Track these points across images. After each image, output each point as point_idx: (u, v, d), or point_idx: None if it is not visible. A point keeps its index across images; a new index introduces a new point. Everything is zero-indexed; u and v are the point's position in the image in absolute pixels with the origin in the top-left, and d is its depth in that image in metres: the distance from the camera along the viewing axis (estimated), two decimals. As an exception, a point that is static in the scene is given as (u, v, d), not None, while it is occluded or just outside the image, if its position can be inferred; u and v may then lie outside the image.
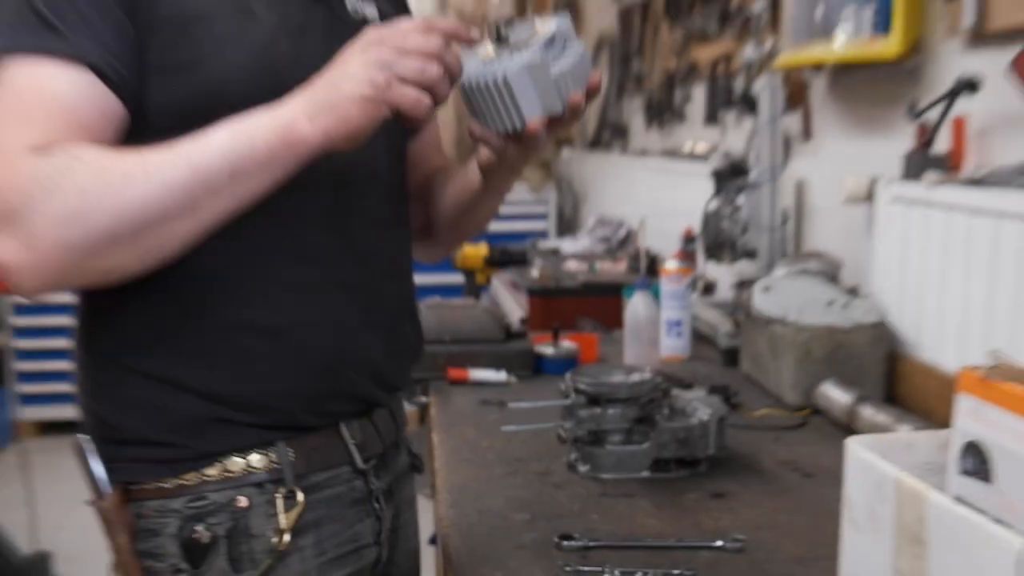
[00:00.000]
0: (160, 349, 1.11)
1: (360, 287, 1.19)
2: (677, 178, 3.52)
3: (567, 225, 5.24)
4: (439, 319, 2.18)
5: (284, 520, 1.12)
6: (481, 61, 1.08)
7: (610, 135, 4.70)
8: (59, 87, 1.01)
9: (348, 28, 1.14)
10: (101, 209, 0.97)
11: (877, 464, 1.07)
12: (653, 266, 2.93)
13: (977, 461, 1.00)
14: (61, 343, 4.91)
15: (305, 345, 1.15)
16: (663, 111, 3.84)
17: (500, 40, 1.08)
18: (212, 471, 1.12)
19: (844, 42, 2.10)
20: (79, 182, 0.97)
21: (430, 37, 1.02)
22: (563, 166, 5.33)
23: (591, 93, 1.13)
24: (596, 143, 4.94)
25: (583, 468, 1.55)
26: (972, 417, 1.00)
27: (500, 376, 2.11)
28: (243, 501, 1.13)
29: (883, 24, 2.04)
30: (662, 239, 3.29)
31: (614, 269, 2.86)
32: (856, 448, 1.12)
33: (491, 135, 1.10)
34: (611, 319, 2.56)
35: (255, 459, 1.13)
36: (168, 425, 1.12)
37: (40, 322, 5.11)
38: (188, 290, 1.10)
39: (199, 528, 1.11)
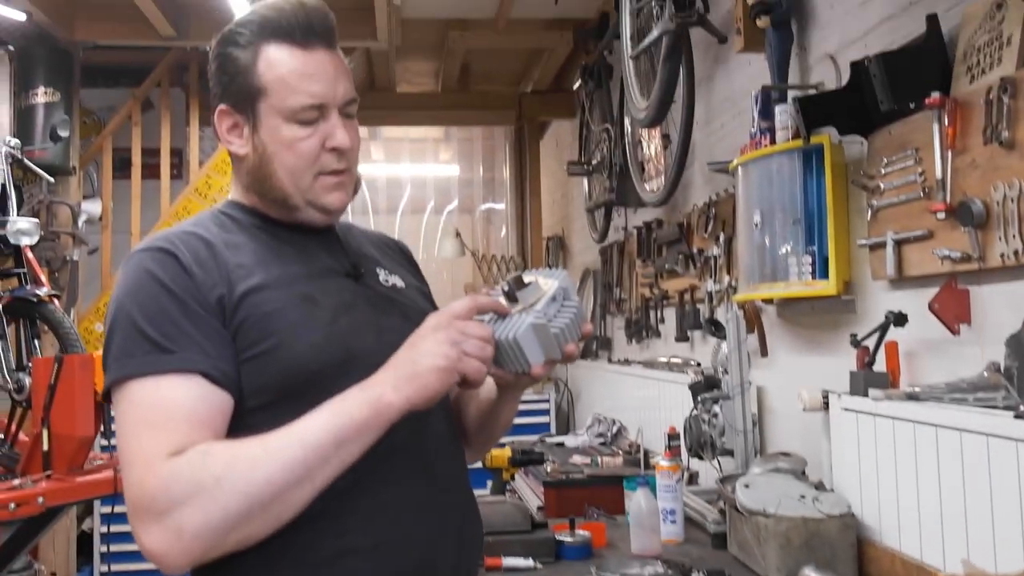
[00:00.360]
0: (273, 568, 1.06)
1: (436, 501, 1.17)
2: (655, 383, 3.53)
3: (563, 418, 5.20)
4: (477, 513, 2.13)
5: None
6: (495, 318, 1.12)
7: (597, 346, 4.74)
8: (178, 395, 1.04)
9: (384, 298, 1.23)
10: (234, 492, 0.98)
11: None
12: (646, 458, 2.89)
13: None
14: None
15: (399, 558, 1.11)
16: (641, 329, 3.87)
17: (511, 298, 1.11)
18: None
19: (792, 283, 2.16)
20: (213, 472, 0.98)
21: (480, 327, 1.07)
22: (559, 370, 5.35)
23: (583, 339, 1.15)
24: (585, 354, 4.97)
25: (611, 650, 1.49)
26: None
27: (528, 563, 2.05)
28: None
29: (822, 270, 2.11)
30: (648, 431, 3.27)
31: (613, 462, 2.82)
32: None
33: (504, 373, 1.11)
34: (613, 506, 2.51)
35: None
36: None
37: (120, 509, 4.94)
38: (294, 527, 1.04)
39: None
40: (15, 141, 3.05)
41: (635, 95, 2.57)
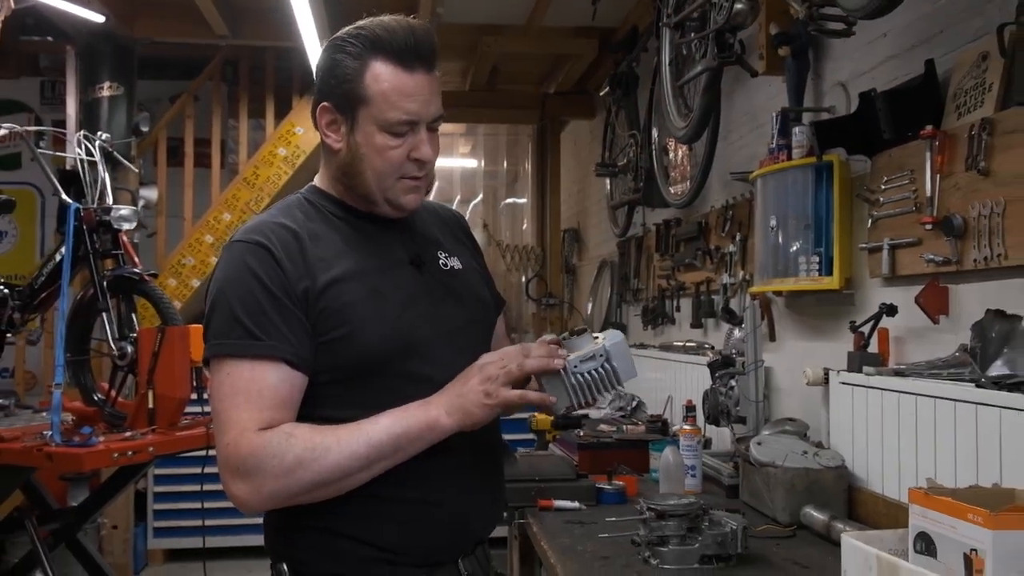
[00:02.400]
0: (346, 515, 1.32)
1: (476, 463, 1.41)
2: (669, 364, 3.89)
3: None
4: (530, 464, 2.53)
5: None
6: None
7: (613, 332, 5.08)
8: (266, 377, 1.26)
9: (442, 285, 1.43)
10: (308, 471, 1.23)
11: (864, 548, 1.41)
12: (665, 427, 3.27)
13: (925, 544, 1.34)
14: (185, 488, 5.11)
15: (444, 512, 1.36)
16: (657, 316, 4.22)
17: (565, 342, 1.34)
18: None
19: (801, 279, 2.54)
20: (295, 452, 1.23)
21: (523, 360, 1.30)
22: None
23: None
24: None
25: (654, 562, 1.87)
26: (921, 517, 1.35)
27: (574, 504, 2.43)
28: None
29: (827, 268, 2.48)
30: (662, 406, 3.66)
31: (637, 430, 3.19)
32: (849, 539, 1.46)
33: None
34: (639, 465, 2.87)
35: None
36: (344, 564, 1.33)
37: (171, 471, 5.29)
38: None
39: None
40: (106, 135, 3.39)
41: (673, 114, 2.93)
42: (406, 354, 1.33)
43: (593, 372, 1.33)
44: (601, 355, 1.33)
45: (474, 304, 1.41)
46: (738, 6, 2.06)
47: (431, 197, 1.53)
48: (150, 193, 4.97)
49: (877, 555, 1.35)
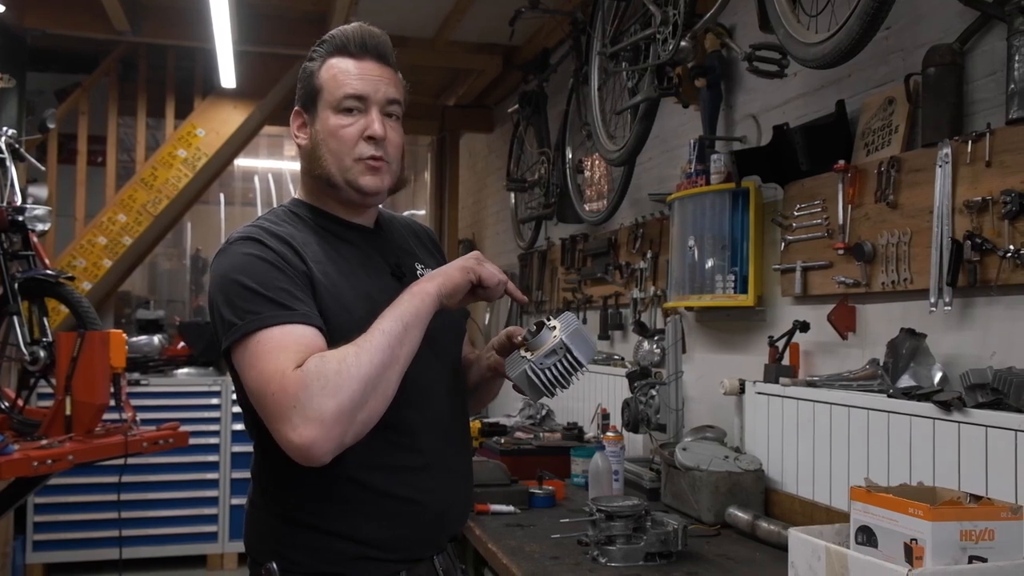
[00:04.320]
0: (327, 511, 1.39)
1: (454, 462, 1.52)
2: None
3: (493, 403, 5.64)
4: (465, 470, 2.59)
5: None
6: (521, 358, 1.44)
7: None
8: (298, 332, 1.30)
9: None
10: (351, 377, 1.25)
11: (813, 540, 1.56)
12: (581, 434, 3.40)
13: (866, 536, 1.50)
14: (68, 499, 4.90)
15: (427, 508, 1.44)
16: (563, 327, 4.35)
17: (530, 337, 1.44)
18: None
19: (717, 295, 2.72)
20: (332, 367, 1.25)
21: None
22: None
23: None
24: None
25: (603, 560, 1.97)
26: (862, 512, 1.51)
27: (509, 508, 2.52)
28: None
29: (742, 286, 2.67)
30: (575, 413, 3.79)
31: (553, 437, 3.30)
32: (797, 534, 1.61)
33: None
34: (559, 471, 2.99)
35: None
36: (331, 562, 1.39)
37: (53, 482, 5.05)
38: (344, 477, 1.37)
39: None
40: (12, 132, 3.23)
41: (603, 137, 3.07)
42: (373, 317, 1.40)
43: (557, 365, 1.41)
44: (561, 348, 1.41)
45: (448, 313, 1.47)
46: (683, 44, 2.20)
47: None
48: (39, 191, 4.70)
49: (827, 547, 1.50)
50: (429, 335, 1.40)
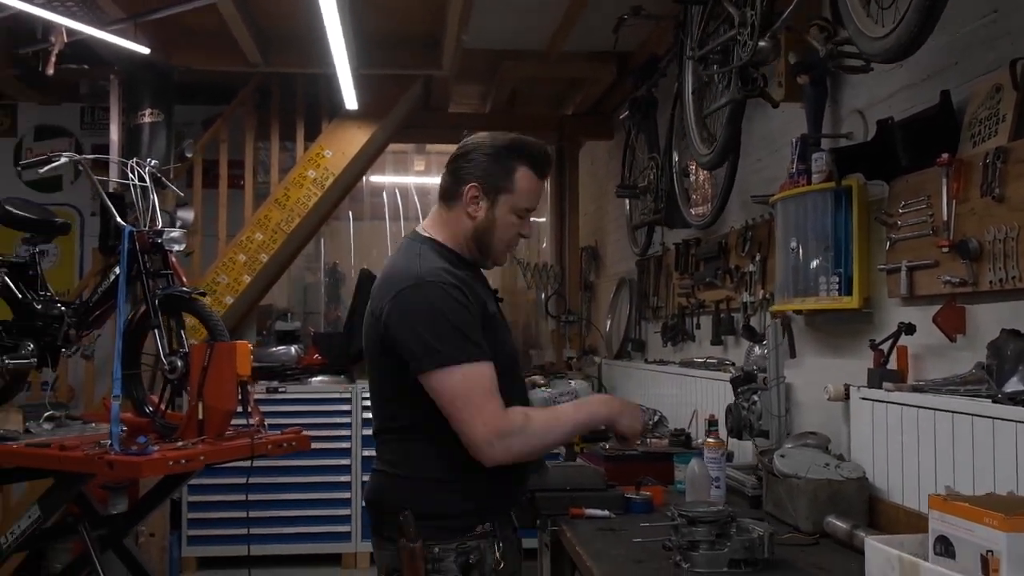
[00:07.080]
0: (455, 477, 1.84)
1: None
2: (689, 380, 3.98)
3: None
4: (561, 475, 2.62)
5: (499, 553, 1.85)
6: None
7: (631, 348, 5.19)
8: (488, 374, 1.77)
9: (504, 316, 2.02)
10: (540, 442, 1.84)
11: (887, 550, 1.50)
12: (688, 440, 3.35)
13: (944, 546, 1.43)
14: (219, 497, 5.22)
15: (517, 476, 1.93)
16: (677, 333, 4.31)
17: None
18: (473, 532, 1.83)
19: (822, 298, 2.63)
20: (535, 429, 1.81)
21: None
22: (593, 369, 5.81)
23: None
24: (620, 355, 5.43)
25: (685, 565, 1.96)
26: (940, 522, 1.44)
27: (604, 512, 2.52)
28: (483, 545, 1.83)
29: (846, 288, 2.57)
30: (686, 419, 3.74)
31: (660, 443, 3.28)
32: (872, 543, 1.55)
33: None
34: (663, 477, 2.96)
35: (487, 526, 1.85)
36: (456, 511, 1.83)
37: (205, 482, 5.39)
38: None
39: (471, 557, 1.81)
40: (155, 162, 3.53)
41: (696, 142, 3.04)
42: (516, 363, 2.02)
43: None
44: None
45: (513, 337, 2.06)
46: (761, 44, 2.15)
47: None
48: (187, 214, 5.10)
49: (900, 556, 1.44)
50: (514, 358, 1.99)
